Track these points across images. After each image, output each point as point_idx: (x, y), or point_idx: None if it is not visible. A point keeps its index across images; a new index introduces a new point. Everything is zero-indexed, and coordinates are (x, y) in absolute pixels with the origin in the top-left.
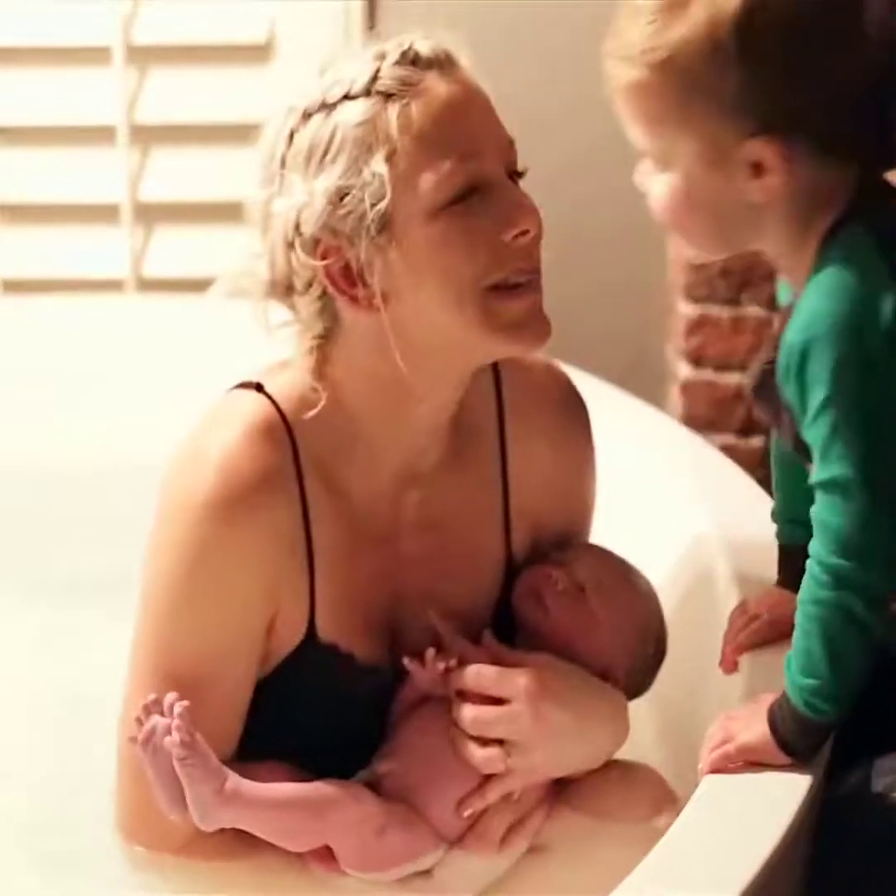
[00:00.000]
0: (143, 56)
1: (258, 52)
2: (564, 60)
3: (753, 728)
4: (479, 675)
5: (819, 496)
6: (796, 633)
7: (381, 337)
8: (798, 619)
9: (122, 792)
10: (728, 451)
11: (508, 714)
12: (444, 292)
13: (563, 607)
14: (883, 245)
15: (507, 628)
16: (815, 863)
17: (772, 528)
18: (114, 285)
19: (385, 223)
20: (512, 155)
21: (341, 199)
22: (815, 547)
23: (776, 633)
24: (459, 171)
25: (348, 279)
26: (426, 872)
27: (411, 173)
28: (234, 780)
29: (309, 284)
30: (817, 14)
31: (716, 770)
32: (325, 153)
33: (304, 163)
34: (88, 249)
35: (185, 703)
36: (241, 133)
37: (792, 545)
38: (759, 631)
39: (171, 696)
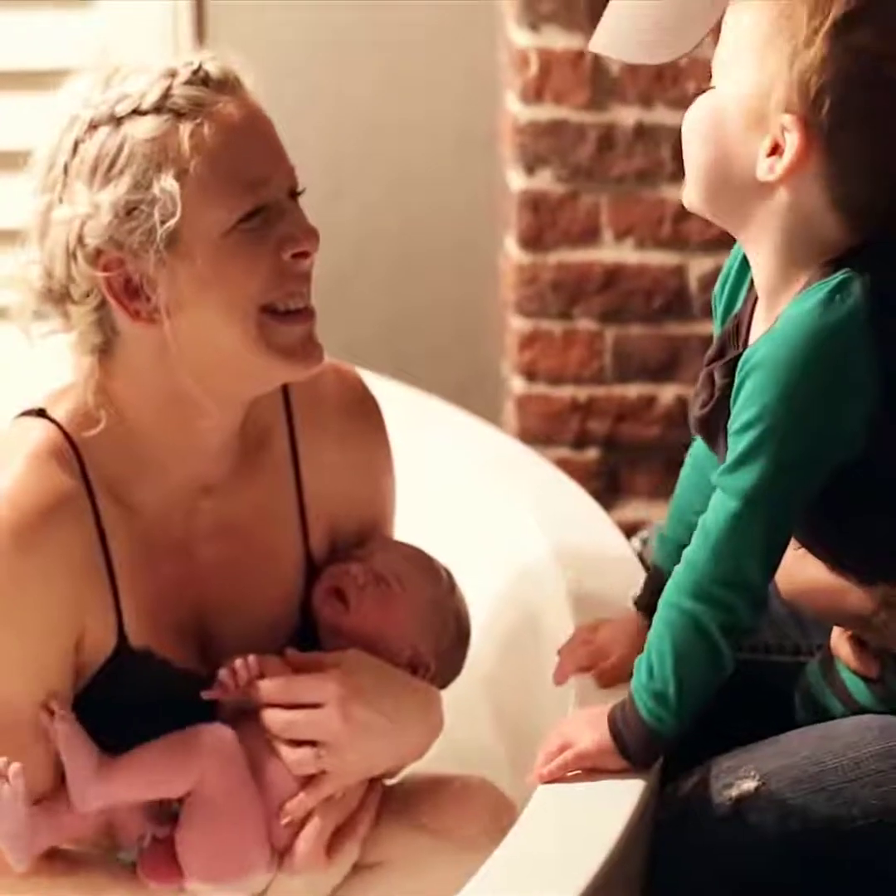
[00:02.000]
0: None
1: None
2: (397, 70)
3: (592, 734)
4: (287, 686)
5: (714, 498)
6: (651, 633)
7: (163, 351)
8: (656, 619)
9: None
10: (562, 464)
11: (318, 716)
12: (226, 308)
13: (364, 600)
14: (874, 294)
15: (314, 630)
16: (653, 866)
17: (603, 539)
18: None
19: (173, 239)
20: (294, 178)
21: (128, 212)
22: (689, 550)
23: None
24: (249, 195)
25: (129, 292)
26: (262, 894)
27: (202, 193)
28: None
29: (87, 295)
30: None
31: (553, 780)
32: (112, 166)
33: (89, 173)
34: None
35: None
36: None
37: (668, 571)
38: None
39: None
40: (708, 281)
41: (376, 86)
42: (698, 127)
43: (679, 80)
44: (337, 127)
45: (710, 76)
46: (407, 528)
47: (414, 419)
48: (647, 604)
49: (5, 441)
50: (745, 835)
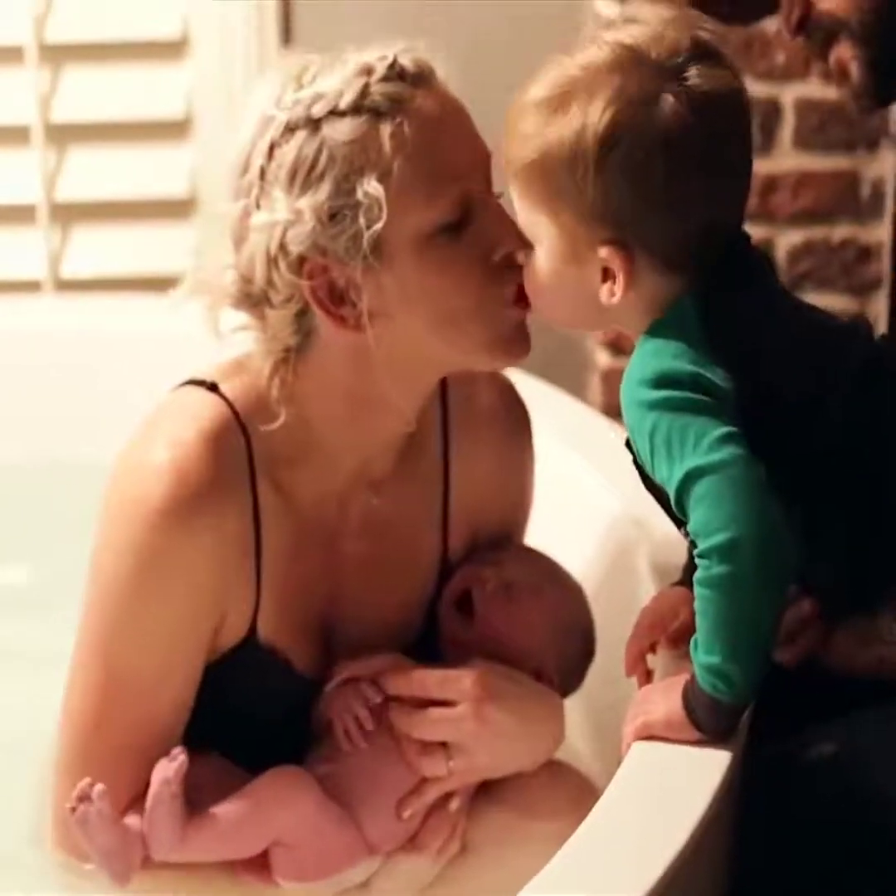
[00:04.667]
0: (57, 54)
1: (173, 49)
2: (477, 53)
3: (667, 704)
4: (422, 680)
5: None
6: (696, 612)
7: (359, 354)
8: (695, 599)
9: (57, 805)
10: None
11: (452, 716)
12: (436, 319)
13: (493, 607)
14: (707, 316)
15: (436, 636)
16: (743, 832)
17: None
18: (31, 286)
19: (379, 243)
20: (489, 169)
21: (332, 218)
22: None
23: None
24: (452, 193)
25: (334, 299)
26: (363, 885)
27: (405, 195)
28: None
29: (287, 300)
30: (670, 148)
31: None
32: (312, 170)
33: (287, 178)
34: (5, 250)
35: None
36: (156, 130)
37: None
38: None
39: (99, 787)
40: (796, 254)
41: (459, 68)
42: (533, 276)
43: (768, 51)
44: None
45: (799, 48)
46: None
47: None
48: (683, 581)
49: (175, 407)
50: (825, 793)
